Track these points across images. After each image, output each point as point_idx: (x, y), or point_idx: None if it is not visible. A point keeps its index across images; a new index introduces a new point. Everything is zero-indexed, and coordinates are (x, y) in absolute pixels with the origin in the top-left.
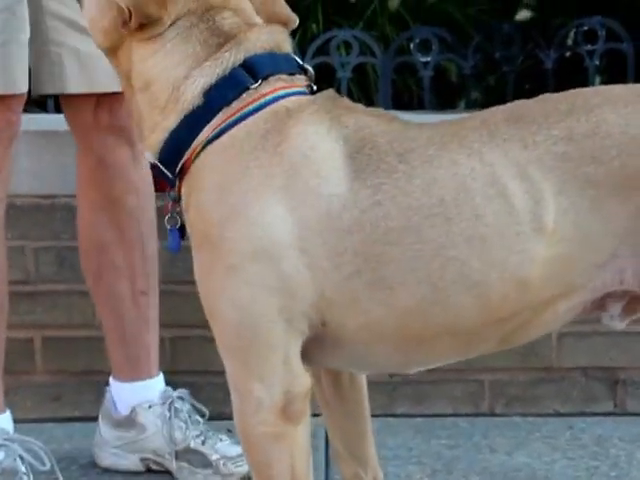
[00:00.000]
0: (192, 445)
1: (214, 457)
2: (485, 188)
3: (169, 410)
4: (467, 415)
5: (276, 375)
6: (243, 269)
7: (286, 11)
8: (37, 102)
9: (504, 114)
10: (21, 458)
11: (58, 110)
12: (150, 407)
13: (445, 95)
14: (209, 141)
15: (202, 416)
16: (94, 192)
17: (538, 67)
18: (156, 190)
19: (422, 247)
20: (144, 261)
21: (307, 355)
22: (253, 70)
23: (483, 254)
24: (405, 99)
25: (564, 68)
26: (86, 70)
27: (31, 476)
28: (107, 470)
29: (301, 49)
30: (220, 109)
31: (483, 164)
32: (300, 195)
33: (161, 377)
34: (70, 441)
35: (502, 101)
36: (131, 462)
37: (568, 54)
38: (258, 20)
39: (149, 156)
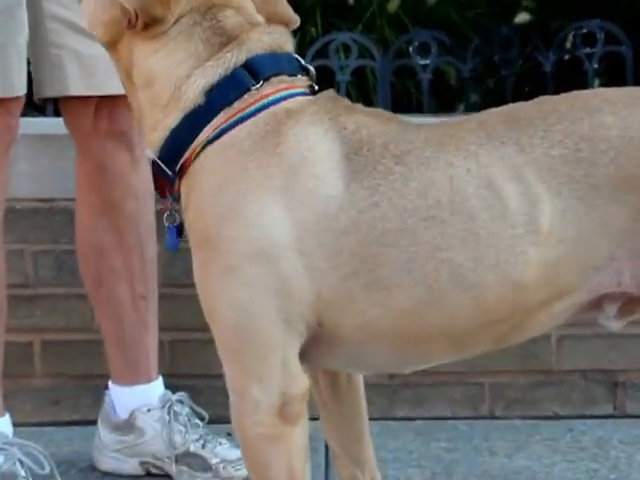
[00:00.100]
0: (192, 449)
1: (214, 461)
2: (481, 190)
3: (168, 414)
4: (467, 418)
5: (274, 376)
6: (241, 270)
7: (288, 11)
8: (36, 106)
9: (501, 116)
10: (20, 462)
11: (57, 114)
12: (149, 411)
13: (444, 98)
14: (209, 141)
15: (202, 419)
16: (93, 196)
17: (537, 70)
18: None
19: (418, 249)
20: (143, 265)
21: (304, 355)
22: (255, 71)
23: (478, 256)
24: (404, 102)
25: (563, 71)
26: (87, 72)
27: None
28: (106, 474)
29: (300, 52)
30: (221, 109)
31: (479, 166)
32: (298, 196)
33: (160, 381)
34: (69, 445)
35: (501, 104)
36: (130, 466)
37: (567, 57)
38: (260, 19)
39: (150, 153)
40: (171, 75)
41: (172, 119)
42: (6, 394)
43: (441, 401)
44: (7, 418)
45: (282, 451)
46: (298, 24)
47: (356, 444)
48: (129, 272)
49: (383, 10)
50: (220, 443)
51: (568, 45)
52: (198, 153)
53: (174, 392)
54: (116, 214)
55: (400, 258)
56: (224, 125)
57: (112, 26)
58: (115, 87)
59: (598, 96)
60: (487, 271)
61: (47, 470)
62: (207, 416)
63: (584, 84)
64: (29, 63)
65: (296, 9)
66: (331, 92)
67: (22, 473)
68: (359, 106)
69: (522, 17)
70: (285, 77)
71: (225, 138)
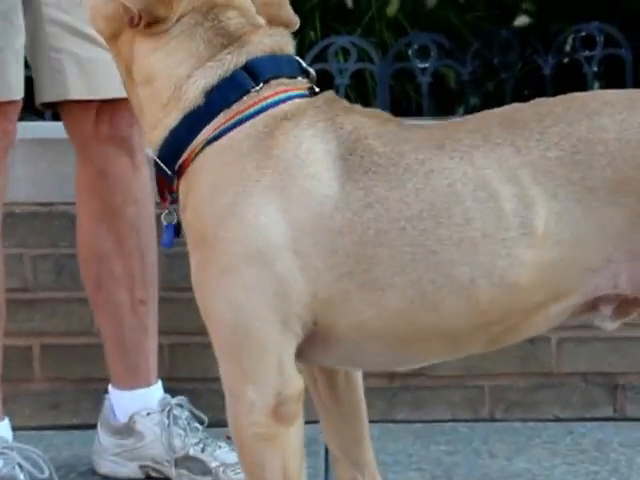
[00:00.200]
0: (191, 452)
1: (213, 464)
2: (476, 192)
3: (168, 417)
4: (467, 421)
5: (269, 377)
6: (238, 271)
7: (289, 13)
8: (34, 110)
9: (498, 118)
10: (20, 466)
11: (55, 118)
12: (148, 415)
13: (443, 101)
14: (208, 142)
15: (201, 423)
16: (94, 202)
17: (537, 73)
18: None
19: (411, 250)
20: (143, 270)
21: (300, 353)
22: (255, 73)
23: (472, 258)
24: (403, 105)
25: (562, 74)
26: (87, 76)
27: None
28: (106, 477)
29: (299, 56)
30: (220, 111)
31: (475, 168)
32: (294, 197)
33: (159, 385)
34: (69, 449)
35: (500, 107)
36: (130, 470)
37: (566, 60)
38: (261, 21)
39: (149, 151)
40: (171, 74)
41: (172, 119)
42: (5, 398)
43: (441, 404)
44: (6, 422)
45: (277, 452)
46: (298, 26)
47: (356, 447)
48: (129, 277)
49: (382, 13)
50: (220, 447)
51: (567, 48)
52: (197, 154)
53: (174, 396)
54: (117, 219)
55: (394, 259)
56: (223, 127)
57: (113, 21)
58: (115, 91)
59: (596, 98)
60: (481, 273)
61: (46, 474)
62: (207, 420)
63: (584, 87)
64: (27, 67)
65: (295, 12)
66: (330, 93)
67: (21, 477)
68: (357, 107)
69: (521, 20)
70: (284, 80)
71: (224, 140)
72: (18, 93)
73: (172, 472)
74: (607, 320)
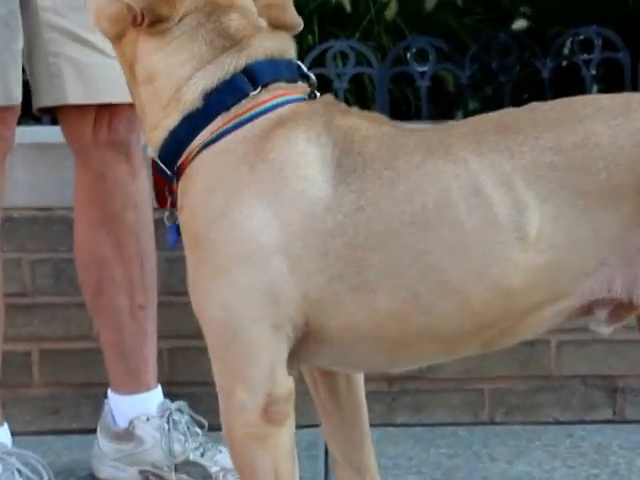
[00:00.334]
0: (191, 457)
1: (214, 469)
2: (468, 196)
3: (167, 422)
4: (467, 424)
5: (258, 377)
6: (230, 272)
7: (291, 16)
8: (33, 114)
9: (492, 123)
10: (19, 472)
11: (54, 122)
12: (148, 420)
13: (442, 105)
14: (205, 145)
15: (201, 427)
16: (93, 208)
17: (535, 76)
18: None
19: (402, 253)
20: (143, 276)
21: (294, 354)
22: (254, 77)
23: (464, 262)
24: (402, 109)
25: (561, 77)
26: (85, 80)
27: None
28: None
29: (297, 60)
30: (218, 114)
31: (468, 172)
32: (287, 199)
33: (159, 389)
34: (69, 454)
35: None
36: (130, 475)
37: (565, 63)
38: (262, 23)
39: (150, 151)
40: (172, 75)
41: (171, 120)
42: (5, 403)
43: (441, 407)
44: (6, 428)
45: (268, 452)
46: (301, 28)
47: (357, 450)
48: (129, 282)
49: (380, 17)
50: (220, 451)
51: (566, 51)
52: (194, 156)
53: (173, 400)
54: (116, 225)
55: (385, 262)
56: (221, 130)
57: (117, 21)
58: (114, 95)
59: (591, 103)
60: (473, 276)
61: (45, 479)
62: (206, 424)
63: (582, 90)
64: (24, 72)
65: None
66: (329, 97)
67: None
68: (355, 110)
69: (520, 24)
70: (283, 84)
71: (221, 142)
72: (16, 98)
73: (172, 477)
74: (602, 324)
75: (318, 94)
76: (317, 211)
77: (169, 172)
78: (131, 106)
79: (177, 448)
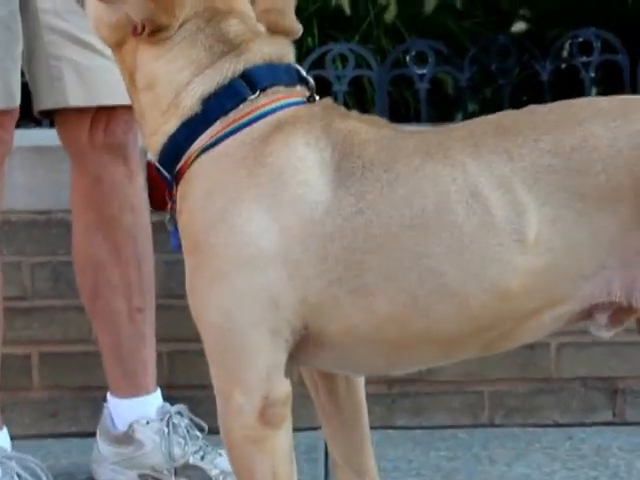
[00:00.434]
0: (191, 461)
1: (214, 472)
2: (467, 199)
3: (167, 426)
4: (466, 426)
5: (256, 380)
6: (228, 276)
7: (291, 21)
8: (32, 117)
9: (491, 125)
10: (18, 476)
11: (52, 125)
12: (148, 423)
13: (442, 107)
14: (204, 149)
15: (201, 431)
16: (90, 211)
17: (534, 79)
18: (152, 206)
19: (401, 256)
20: (140, 278)
21: (294, 357)
22: (252, 81)
23: (462, 265)
24: (402, 112)
25: (560, 80)
26: (85, 83)
27: None
28: None
29: (296, 63)
30: (217, 118)
31: (466, 175)
32: (286, 203)
33: (158, 393)
34: (68, 457)
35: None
36: (129, 478)
37: (564, 66)
38: (261, 28)
39: (150, 156)
40: (172, 81)
41: (170, 125)
42: (4, 407)
43: (440, 410)
44: (5, 432)
45: (266, 455)
46: (300, 34)
47: (357, 453)
48: (126, 285)
49: (380, 20)
50: (220, 454)
51: (565, 54)
52: (193, 160)
53: (173, 403)
54: (113, 228)
55: (384, 265)
56: (219, 134)
57: (117, 30)
58: (112, 98)
59: (590, 106)
60: (472, 279)
61: None
62: (206, 427)
63: (581, 93)
64: (22, 75)
65: None
66: (328, 100)
67: None
68: (354, 113)
69: (519, 26)
70: (281, 88)
71: (220, 147)
72: (16, 101)
73: None
74: (603, 329)
75: (317, 98)
76: (316, 215)
77: (168, 176)
78: (129, 108)
79: (177, 451)
